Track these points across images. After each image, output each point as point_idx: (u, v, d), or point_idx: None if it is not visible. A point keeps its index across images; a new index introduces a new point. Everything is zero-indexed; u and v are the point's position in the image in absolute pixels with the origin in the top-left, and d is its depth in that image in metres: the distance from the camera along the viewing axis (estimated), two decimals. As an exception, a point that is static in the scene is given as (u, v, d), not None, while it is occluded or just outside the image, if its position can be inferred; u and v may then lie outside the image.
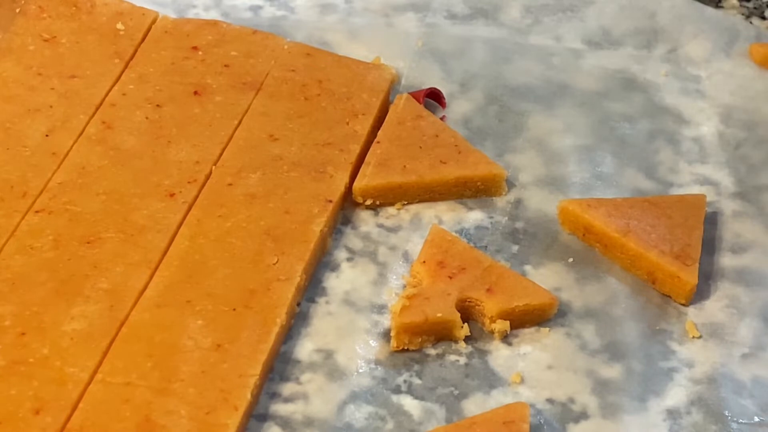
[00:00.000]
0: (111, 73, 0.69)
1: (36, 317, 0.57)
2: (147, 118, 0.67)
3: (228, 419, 0.54)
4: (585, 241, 0.64)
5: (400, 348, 0.59)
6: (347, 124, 0.68)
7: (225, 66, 0.70)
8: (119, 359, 0.56)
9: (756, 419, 0.57)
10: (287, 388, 0.58)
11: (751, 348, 0.60)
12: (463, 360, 0.59)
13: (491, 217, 0.66)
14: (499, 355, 0.60)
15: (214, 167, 0.65)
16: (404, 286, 0.61)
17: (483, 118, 0.71)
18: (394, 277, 0.62)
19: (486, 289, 0.60)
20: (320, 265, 0.63)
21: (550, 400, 0.58)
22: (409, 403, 0.57)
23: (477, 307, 0.60)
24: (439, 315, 0.59)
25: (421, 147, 0.67)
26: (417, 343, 0.59)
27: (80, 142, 0.65)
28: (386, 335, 0.60)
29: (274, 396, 0.57)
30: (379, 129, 0.68)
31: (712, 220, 0.65)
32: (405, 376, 0.58)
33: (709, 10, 0.78)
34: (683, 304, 0.62)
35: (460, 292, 0.60)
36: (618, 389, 0.58)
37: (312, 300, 0.61)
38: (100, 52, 0.70)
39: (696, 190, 0.67)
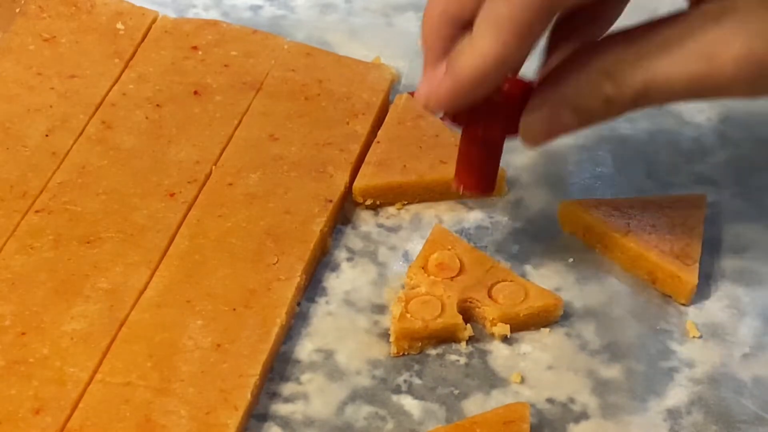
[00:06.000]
0: (111, 73, 0.69)
1: (36, 317, 0.57)
2: (147, 117, 0.67)
3: (228, 419, 0.54)
4: (585, 241, 0.64)
5: (400, 354, 0.59)
6: (347, 124, 0.68)
7: (225, 66, 0.70)
8: (119, 359, 0.56)
9: (757, 419, 0.57)
10: (287, 388, 0.58)
11: (751, 348, 0.60)
12: (463, 360, 0.59)
13: (491, 217, 0.65)
14: (500, 355, 0.60)
15: (214, 167, 0.65)
16: (403, 287, 0.61)
17: (483, 117, 0.71)
18: (394, 277, 0.62)
19: (488, 292, 0.60)
20: (320, 265, 0.63)
21: (550, 400, 0.58)
22: (409, 403, 0.57)
23: (478, 309, 0.60)
24: (440, 321, 0.59)
25: (421, 147, 0.67)
26: (417, 347, 0.59)
27: (80, 142, 0.65)
28: (386, 335, 0.60)
29: (274, 396, 0.57)
30: (379, 129, 0.68)
31: (712, 220, 0.65)
32: (405, 376, 0.58)
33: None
34: (683, 304, 0.62)
35: (461, 293, 0.60)
36: (618, 389, 0.58)
37: (312, 300, 0.61)
38: (100, 52, 0.70)
39: (696, 190, 0.67)
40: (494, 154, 0.58)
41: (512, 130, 0.56)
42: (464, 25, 0.53)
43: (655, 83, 0.51)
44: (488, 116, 0.54)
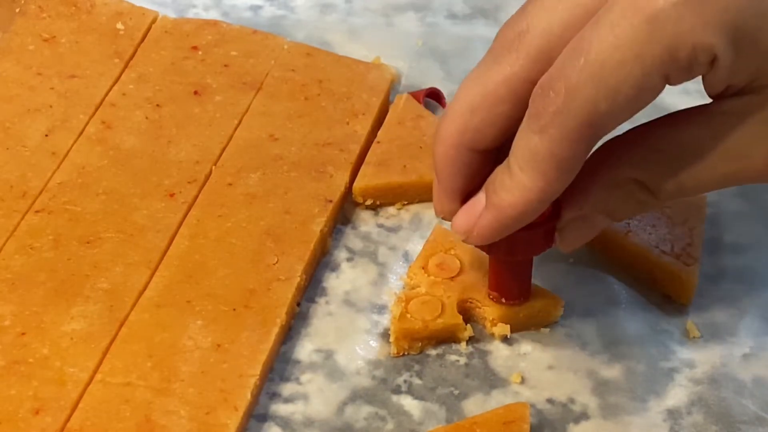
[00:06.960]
0: (111, 73, 0.69)
1: (36, 317, 0.57)
2: (147, 118, 0.67)
3: (228, 419, 0.54)
4: (585, 241, 0.64)
5: (401, 354, 0.59)
6: (347, 124, 0.68)
7: (225, 66, 0.70)
8: (119, 359, 0.56)
9: (757, 419, 0.57)
10: (287, 388, 0.58)
11: (752, 348, 0.60)
12: (463, 360, 0.59)
13: (491, 217, 0.65)
14: (500, 355, 0.59)
15: (214, 167, 0.65)
16: (403, 287, 0.61)
17: (483, 118, 0.71)
18: (394, 277, 0.62)
19: (488, 292, 0.60)
20: (320, 265, 0.63)
21: (550, 400, 0.58)
22: (409, 403, 0.57)
23: (478, 309, 0.60)
24: (440, 321, 0.59)
25: (421, 147, 0.66)
26: (417, 348, 0.59)
27: (80, 142, 0.65)
28: (386, 335, 0.60)
29: (274, 396, 0.57)
30: (379, 129, 0.68)
31: (712, 220, 0.65)
32: (405, 376, 0.58)
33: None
34: (684, 304, 0.62)
35: (462, 293, 0.60)
36: (618, 389, 0.58)
37: (312, 300, 0.61)
38: (100, 52, 0.70)
39: (696, 190, 0.67)
40: (527, 268, 0.59)
41: (543, 246, 0.56)
42: (482, 152, 0.53)
43: (689, 186, 0.52)
44: (517, 239, 0.54)
